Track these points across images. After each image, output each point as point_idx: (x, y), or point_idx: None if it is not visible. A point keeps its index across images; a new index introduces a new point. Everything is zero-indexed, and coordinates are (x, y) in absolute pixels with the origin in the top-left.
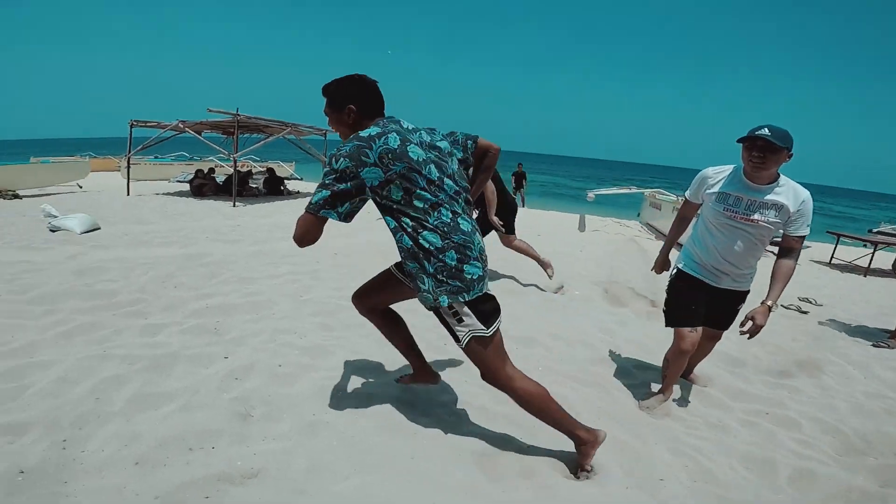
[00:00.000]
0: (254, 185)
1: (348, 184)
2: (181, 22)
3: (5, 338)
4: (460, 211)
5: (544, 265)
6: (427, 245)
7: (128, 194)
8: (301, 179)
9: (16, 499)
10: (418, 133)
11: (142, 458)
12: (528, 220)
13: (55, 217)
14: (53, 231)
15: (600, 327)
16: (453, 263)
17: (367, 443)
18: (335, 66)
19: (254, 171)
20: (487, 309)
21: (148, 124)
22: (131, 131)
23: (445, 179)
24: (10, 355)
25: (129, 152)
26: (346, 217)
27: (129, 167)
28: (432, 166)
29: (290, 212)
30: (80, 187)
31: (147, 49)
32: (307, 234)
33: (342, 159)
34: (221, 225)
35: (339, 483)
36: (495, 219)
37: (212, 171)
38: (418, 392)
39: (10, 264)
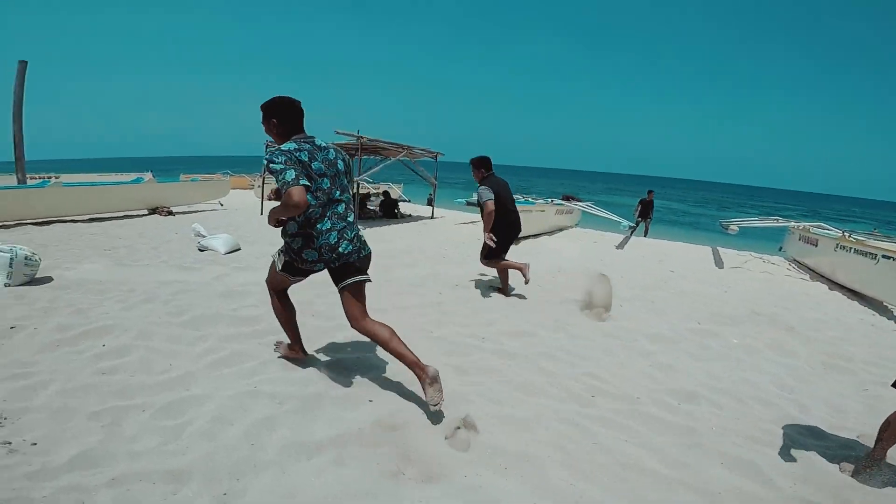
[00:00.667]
0: (371, 208)
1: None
2: (309, 42)
3: (165, 365)
4: (328, 213)
5: (522, 269)
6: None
7: (261, 213)
8: (409, 201)
9: None
10: (326, 151)
11: None
12: (652, 250)
13: (203, 237)
14: (202, 251)
15: (774, 381)
16: (297, 247)
17: None
18: (449, 87)
19: (372, 193)
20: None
21: (269, 144)
22: (266, 152)
23: (333, 189)
24: (170, 386)
25: (264, 172)
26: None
27: (262, 187)
28: (326, 178)
29: (406, 236)
30: (222, 205)
31: (274, 69)
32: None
33: (281, 160)
34: None
35: None
36: (488, 236)
37: None
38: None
39: (167, 284)
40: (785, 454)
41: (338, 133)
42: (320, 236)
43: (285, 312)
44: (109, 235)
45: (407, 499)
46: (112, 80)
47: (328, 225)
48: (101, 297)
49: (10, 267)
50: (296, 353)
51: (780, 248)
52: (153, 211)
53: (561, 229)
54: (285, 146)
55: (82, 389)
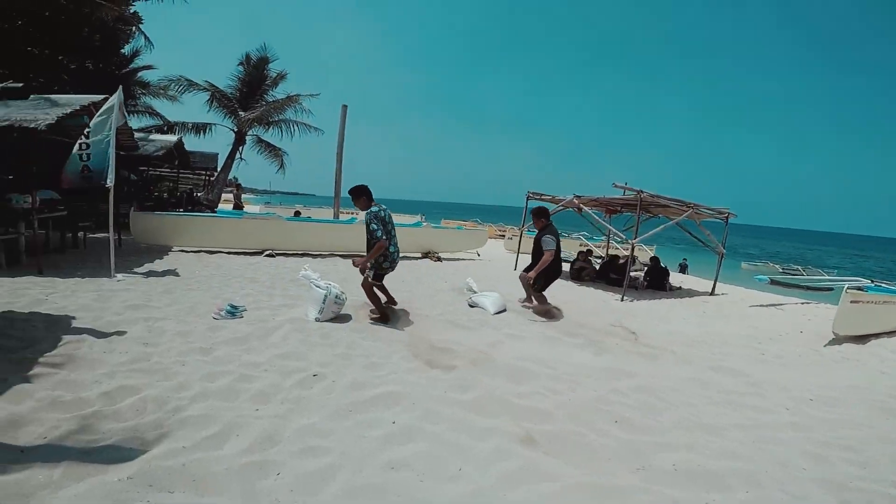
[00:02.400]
0: (634, 275)
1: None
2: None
3: (447, 465)
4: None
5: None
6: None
7: (514, 269)
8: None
9: None
10: (387, 211)
11: None
12: None
13: (475, 293)
14: (472, 307)
15: None
16: (381, 262)
17: None
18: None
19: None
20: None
21: (543, 197)
22: (527, 203)
23: (391, 230)
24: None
25: (524, 225)
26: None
27: (520, 240)
28: (391, 225)
29: (682, 319)
30: (479, 255)
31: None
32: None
33: (376, 222)
34: (618, 329)
35: None
36: (532, 274)
37: (590, 252)
38: None
39: (447, 352)
40: None
41: (615, 186)
42: (391, 255)
43: (377, 295)
44: (395, 278)
45: None
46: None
47: (392, 249)
48: (390, 349)
49: (323, 303)
50: (382, 315)
51: None
52: (425, 255)
53: None
54: (373, 209)
55: (368, 488)
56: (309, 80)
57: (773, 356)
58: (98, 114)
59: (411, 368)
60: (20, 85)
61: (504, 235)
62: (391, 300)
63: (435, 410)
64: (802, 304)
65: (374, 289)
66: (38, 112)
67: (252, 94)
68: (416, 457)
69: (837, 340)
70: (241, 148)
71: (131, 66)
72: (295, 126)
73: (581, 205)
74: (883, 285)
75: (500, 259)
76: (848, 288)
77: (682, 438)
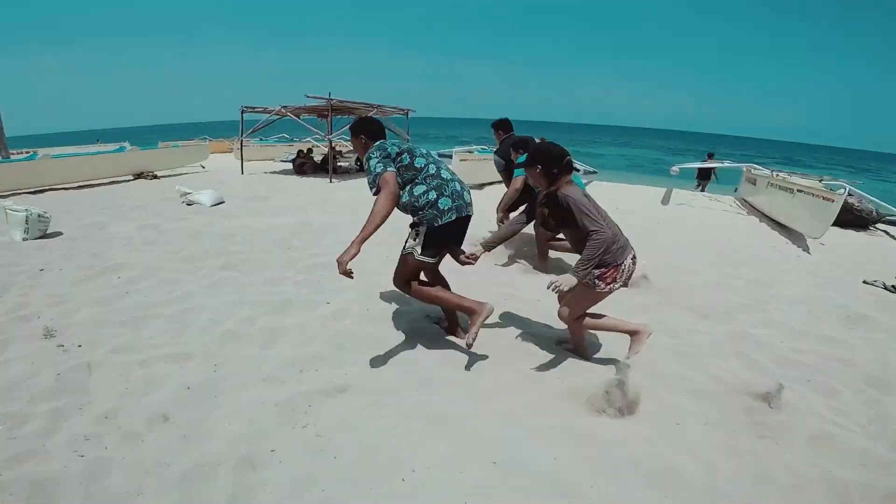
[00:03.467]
0: (344, 164)
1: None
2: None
3: (171, 288)
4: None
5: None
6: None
7: (242, 173)
8: None
9: (186, 407)
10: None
11: (268, 377)
12: (611, 193)
13: (189, 193)
14: (189, 205)
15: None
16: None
17: (430, 372)
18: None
19: (344, 150)
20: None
21: (255, 110)
22: (242, 116)
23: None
24: (176, 302)
25: (241, 136)
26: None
27: (241, 149)
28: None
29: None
30: (203, 168)
31: (247, 41)
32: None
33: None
34: (321, 199)
35: (405, 400)
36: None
37: (310, 151)
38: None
39: (163, 231)
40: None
41: (308, 97)
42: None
43: (436, 288)
44: (102, 198)
45: (347, 361)
46: (68, 49)
47: (428, 196)
48: (109, 244)
49: (27, 223)
50: (476, 310)
51: (735, 190)
52: (138, 176)
53: None
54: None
55: (109, 308)
56: None
57: None
58: None
59: (132, 249)
60: None
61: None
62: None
63: (155, 266)
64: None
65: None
66: None
67: None
68: (142, 289)
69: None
70: None
71: None
72: None
73: (289, 113)
74: None
75: (229, 169)
76: (457, 150)
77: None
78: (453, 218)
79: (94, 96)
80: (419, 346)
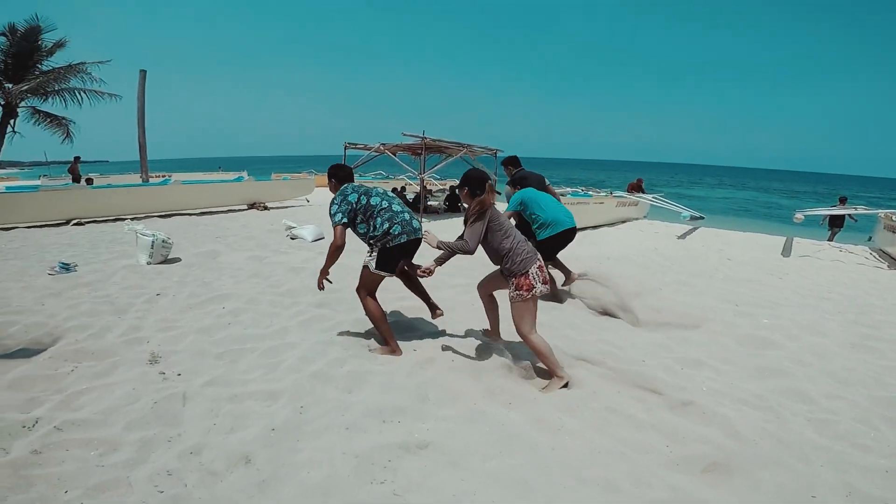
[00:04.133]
0: (434, 203)
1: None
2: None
3: (268, 321)
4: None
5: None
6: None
7: None
8: None
9: (269, 449)
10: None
11: (351, 425)
12: (718, 240)
13: (293, 227)
14: (293, 239)
15: (791, 357)
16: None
17: (516, 432)
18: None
19: (434, 189)
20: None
21: (357, 146)
22: (345, 153)
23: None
24: (270, 336)
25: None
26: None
27: None
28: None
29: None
30: (308, 201)
31: (352, 78)
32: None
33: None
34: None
35: (488, 461)
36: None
37: (403, 189)
38: (566, 395)
39: (268, 265)
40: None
41: (404, 135)
42: (394, 225)
43: (380, 310)
44: (220, 226)
45: (431, 415)
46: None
47: (384, 226)
48: (219, 273)
49: (152, 248)
50: (392, 349)
51: (869, 238)
52: (251, 206)
53: (624, 221)
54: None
55: (211, 338)
56: (104, 45)
57: None
58: None
59: (238, 280)
60: None
61: None
62: (430, 305)
63: (256, 299)
64: None
65: (376, 300)
66: None
67: (23, 65)
68: (242, 321)
69: None
70: (12, 122)
71: None
72: (83, 94)
73: (387, 151)
74: (588, 192)
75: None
76: None
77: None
78: (403, 241)
79: (216, 125)
80: (506, 403)
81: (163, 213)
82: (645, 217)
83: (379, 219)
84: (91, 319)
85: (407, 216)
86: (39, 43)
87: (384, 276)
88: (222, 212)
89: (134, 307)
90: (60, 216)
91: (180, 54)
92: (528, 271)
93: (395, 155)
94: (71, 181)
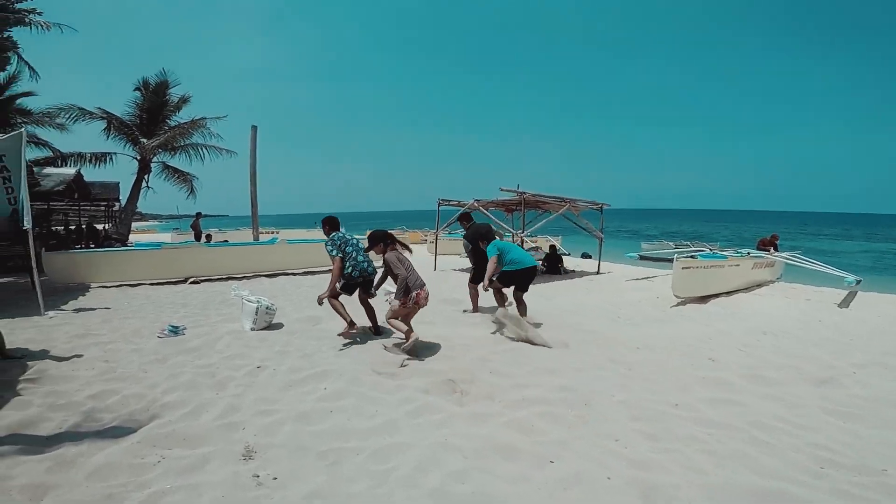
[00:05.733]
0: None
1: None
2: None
3: (373, 409)
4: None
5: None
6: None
7: (434, 269)
8: (568, 255)
9: None
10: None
11: None
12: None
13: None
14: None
15: None
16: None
17: None
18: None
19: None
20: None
21: (450, 203)
22: (439, 210)
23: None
24: (377, 432)
25: (438, 230)
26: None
27: (436, 244)
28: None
29: (567, 292)
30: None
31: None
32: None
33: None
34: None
35: None
36: (486, 283)
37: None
38: None
39: (368, 335)
40: None
41: (502, 190)
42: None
43: (341, 303)
44: (321, 288)
45: None
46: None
47: (349, 269)
48: (319, 343)
49: (256, 314)
50: (350, 327)
51: None
52: None
53: (760, 285)
54: (333, 235)
55: (311, 429)
56: (218, 101)
57: (625, 318)
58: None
59: (339, 354)
60: None
61: (426, 240)
62: (374, 325)
63: (358, 379)
64: (668, 274)
65: (339, 301)
66: None
67: (154, 120)
68: (344, 407)
69: (683, 302)
70: (146, 176)
71: (7, 93)
72: (204, 150)
73: (480, 207)
74: (717, 251)
75: (421, 263)
76: (679, 256)
77: (534, 379)
78: (359, 279)
79: (318, 180)
80: None
81: (269, 273)
82: (779, 279)
83: (349, 264)
84: (189, 394)
85: (364, 264)
86: (167, 98)
87: (342, 294)
88: (323, 271)
89: (234, 381)
90: (179, 274)
91: (290, 112)
92: (413, 293)
93: (487, 210)
94: (193, 237)
